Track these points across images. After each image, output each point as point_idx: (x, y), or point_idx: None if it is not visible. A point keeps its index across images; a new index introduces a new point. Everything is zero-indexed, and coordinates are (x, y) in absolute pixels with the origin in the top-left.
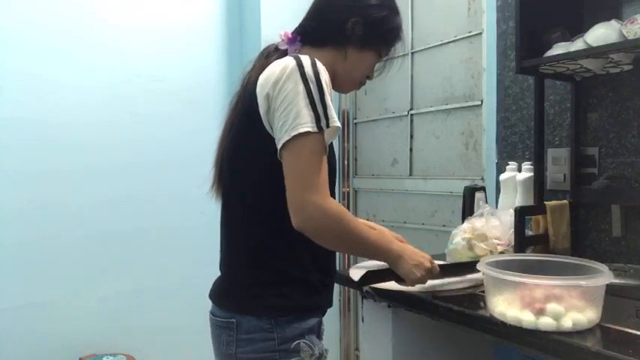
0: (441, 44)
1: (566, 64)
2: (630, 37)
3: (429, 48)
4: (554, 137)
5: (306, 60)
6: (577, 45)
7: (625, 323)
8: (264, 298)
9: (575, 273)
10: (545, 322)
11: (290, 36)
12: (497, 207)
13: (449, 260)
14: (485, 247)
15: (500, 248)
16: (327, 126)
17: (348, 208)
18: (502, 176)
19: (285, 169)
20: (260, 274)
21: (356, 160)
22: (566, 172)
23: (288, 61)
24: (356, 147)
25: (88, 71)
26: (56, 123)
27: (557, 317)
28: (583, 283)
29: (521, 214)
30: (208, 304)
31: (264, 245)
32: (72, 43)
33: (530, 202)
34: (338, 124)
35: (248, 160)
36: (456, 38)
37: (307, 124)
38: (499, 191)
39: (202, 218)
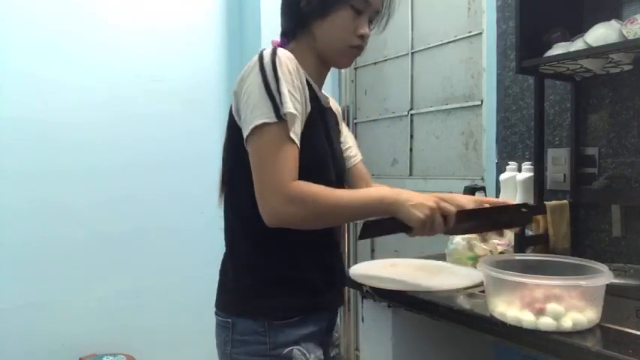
0: (441, 44)
1: (566, 64)
2: (630, 37)
3: (429, 48)
4: (554, 137)
5: (267, 51)
6: (577, 45)
7: (625, 323)
8: (259, 300)
9: (575, 273)
10: (545, 322)
11: (278, 41)
12: None
13: (449, 261)
14: (485, 247)
15: (500, 248)
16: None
17: None
18: (502, 176)
19: (251, 166)
20: (255, 275)
21: None
22: (566, 172)
23: (254, 57)
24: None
25: (88, 71)
26: (56, 123)
27: (557, 317)
28: (583, 283)
29: None
30: (208, 304)
31: (258, 246)
32: (72, 43)
33: (530, 202)
34: (291, 110)
35: (235, 161)
36: (456, 38)
37: (263, 115)
38: (499, 191)
39: (202, 218)
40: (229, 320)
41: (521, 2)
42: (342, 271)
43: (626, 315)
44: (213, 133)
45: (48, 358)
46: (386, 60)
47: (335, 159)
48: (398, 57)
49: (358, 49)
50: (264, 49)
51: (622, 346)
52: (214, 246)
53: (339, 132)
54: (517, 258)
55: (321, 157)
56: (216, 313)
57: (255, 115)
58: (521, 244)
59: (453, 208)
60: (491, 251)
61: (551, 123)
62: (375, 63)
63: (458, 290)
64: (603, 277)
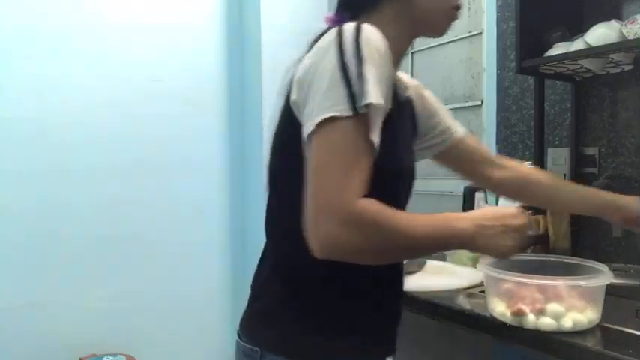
0: (441, 44)
1: (566, 64)
2: (630, 37)
3: (429, 48)
4: (554, 137)
5: (348, 26)
6: (577, 45)
7: (625, 323)
8: (294, 333)
9: (575, 273)
10: (545, 322)
11: (334, 17)
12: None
13: (449, 261)
14: None
15: None
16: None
17: None
18: None
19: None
20: (291, 301)
21: None
22: (566, 172)
23: (330, 33)
24: None
25: (88, 71)
26: (56, 123)
27: (557, 317)
28: (583, 283)
29: None
30: (208, 304)
31: (298, 264)
32: (72, 42)
33: None
34: (376, 100)
35: (286, 166)
36: (456, 38)
37: (333, 107)
38: None
39: (202, 218)
40: (257, 350)
41: (521, 2)
42: (400, 315)
43: (626, 315)
44: (212, 133)
45: (48, 358)
46: None
47: (408, 173)
48: None
49: (457, 11)
50: (344, 24)
51: (622, 346)
52: (214, 246)
53: (414, 130)
54: (517, 258)
55: (392, 172)
56: (238, 335)
57: (325, 106)
58: None
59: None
60: None
61: (551, 123)
62: None
63: (458, 290)
64: (603, 277)
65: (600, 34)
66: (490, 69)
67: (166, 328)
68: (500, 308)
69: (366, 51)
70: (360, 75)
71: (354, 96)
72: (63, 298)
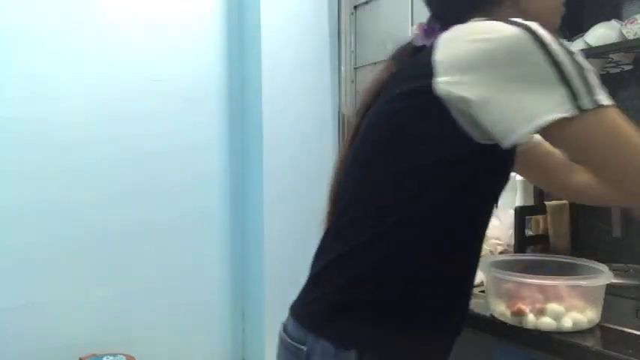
0: None
1: None
2: (630, 37)
3: None
4: None
5: (534, 25)
6: (577, 45)
7: (625, 323)
8: (388, 331)
9: (575, 273)
10: (545, 322)
11: (426, 27)
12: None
13: None
14: (485, 247)
15: (500, 248)
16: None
17: None
18: None
19: (588, 154)
20: (386, 299)
21: None
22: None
23: (503, 30)
24: None
25: (88, 71)
26: (56, 123)
27: (557, 317)
28: (583, 283)
29: (521, 214)
30: (208, 304)
31: (401, 265)
32: (72, 42)
33: (530, 202)
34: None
35: (401, 161)
36: None
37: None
38: None
39: (202, 218)
40: (303, 348)
41: None
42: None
43: (626, 315)
44: (212, 133)
45: (48, 358)
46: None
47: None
48: None
49: (564, 8)
50: (504, 20)
51: (622, 346)
52: (214, 246)
53: None
54: (517, 258)
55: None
56: (285, 329)
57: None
58: (521, 244)
59: None
60: (491, 251)
61: None
62: (375, 63)
63: None
64: (603, 277)
65: (600, 34)
66: None
67: (166, 328)
68: (500, 308)
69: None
70: (582, 75)
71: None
72: (63, 298)
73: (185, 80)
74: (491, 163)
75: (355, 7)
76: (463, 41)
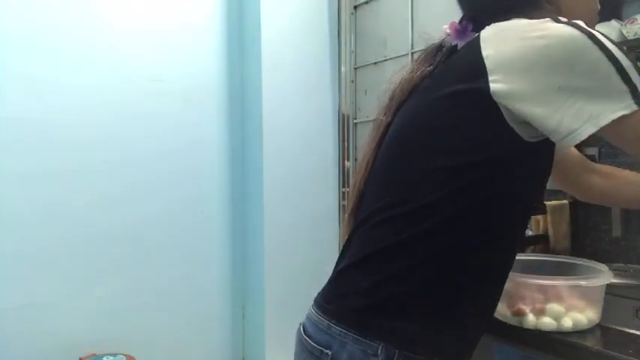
0: None
1: None
2: (630, 37)
3: None
4: None
5: (579, 21)
6: None
7: (625, 323)
8: (430, 330)
9: (575, 273)
10: (545, 322)
11: (458, 27)
12: None
13: None
14: None
15: None
16: None
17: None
18: None
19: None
20: (430, 299)
21: (356, 160)
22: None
23: (557, 29)
24: (356, 147)
25: (88, 71)
26: (56, 123)
27: (557, 317)
28: (583, 283)
29: None
30: (208, 304)
31: (463, 270)
32: (72, 43)
33: None
34: None
35: (445, 162)
36: None
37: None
38: None
39: (202, 218)
40: (328, 352)
41: None
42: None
43: (626, 315)
44: (212, 134)
45: (48, 358)
46: (386, 60)
47: None
48: (398, 57)
49: (598, 10)
50: (565, 21)
51: (622, 346)
52: (214, 246)
53: None
54: (517, 258)
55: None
56: (305, 330)
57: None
58: (521, 244)
59: None
60: None
61: None
62: (375, 63)
63: None
64: (603, 277)
65: None
66: None
67: (166, 328)
68: (500, 308)
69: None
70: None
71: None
72: (63, 298)
73: (185, 80)
74: (536, 162)
75: (355, 7)
76: (515, 39)
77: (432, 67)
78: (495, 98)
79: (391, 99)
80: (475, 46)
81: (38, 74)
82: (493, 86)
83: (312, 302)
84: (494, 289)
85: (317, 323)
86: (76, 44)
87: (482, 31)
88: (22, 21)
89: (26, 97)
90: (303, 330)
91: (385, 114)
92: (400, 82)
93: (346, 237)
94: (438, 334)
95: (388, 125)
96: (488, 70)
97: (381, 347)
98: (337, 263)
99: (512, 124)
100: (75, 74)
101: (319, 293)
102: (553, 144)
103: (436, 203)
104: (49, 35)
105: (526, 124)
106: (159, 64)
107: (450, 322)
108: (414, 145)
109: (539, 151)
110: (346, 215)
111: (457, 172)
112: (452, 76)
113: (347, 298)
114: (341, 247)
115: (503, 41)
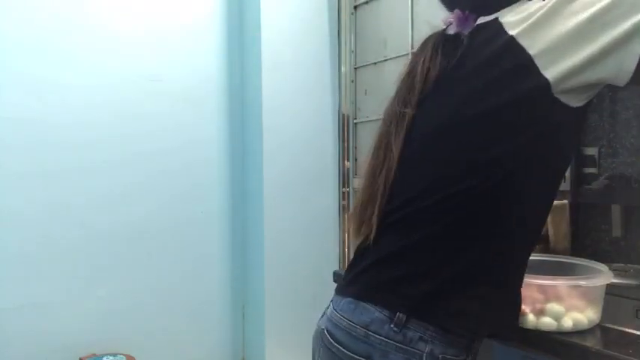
0: None
1: None
2: None
3: None
4: None
5: None
6: None
7: (625, 323)
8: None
9: (575, 273)
10: (545, 322)
11: (461, 16)
12: None
13: None
14: None
15: None
16: None
17: (348, 208)
18: None
19: None
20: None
21: (356, 160)
22: (567, 172)
23: None
24: (356, 147)
25: (88, 71)
26: (56, 123)
27: (557, 317)
28: (583, 283)
29: None
30: (208, 304)
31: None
32: (72, 43)
33: None
34: None
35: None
36: None
37: None
38: None
39: (202, 218)
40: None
41: None
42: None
43: (626, 315)
44: (212, 133)
45: (48, 358)
46: (386, 60)
47: None
48: (398, 57)
49: None
50: None
51: (622, 346)
52: (214, 246)
53: None
54: None
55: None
56: (330, 333)
57: None
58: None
59: None
60: None
61: None
62: (375, 63)
63: None
64: (603, 277)
65: None
66: None
67: (166, 328)
68: None
69: None
70: None
71: None
72: (63, 298)
73: (185, 80)
74: (578, 126)
75: (355, 7)
76: (560, 18)
77: (449, 58)
78: (548, 80)
79: (410, 91)
80: (499, 32)
81: (38, 74)
82: (548, 72)
83: (330, 304)
84: (523, 268)
85: (349, 330)
86: (76, 44)
87: (502, 18)
88: (22, 21)
89: (26, 97)
90: (330, 335)
91: (406, 106)
92: (420, 73)
93: (367, 230)
94: (496, 312)
95: (413, 117)
96: (538, 61)
97: (425, 355)
98: (363, 257)
99: (566, 101)
100: (75, 74)
101: (340, 292)
102: (589, 104)
103: (484, 188)
104: (48, 35)
105: (584, 88)
106: (159, 64)
107: (506, 299)
108: (462, 140)
109: (582, 114)
110: (375, 206)
111: (514, 156)
112: (488, 70)
113: (399, 285)
114: (341, 247)
115: (542, 25)
